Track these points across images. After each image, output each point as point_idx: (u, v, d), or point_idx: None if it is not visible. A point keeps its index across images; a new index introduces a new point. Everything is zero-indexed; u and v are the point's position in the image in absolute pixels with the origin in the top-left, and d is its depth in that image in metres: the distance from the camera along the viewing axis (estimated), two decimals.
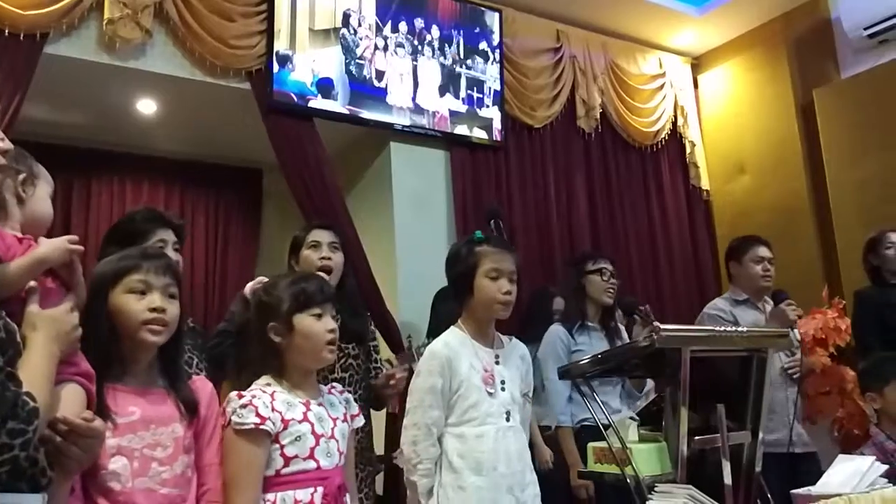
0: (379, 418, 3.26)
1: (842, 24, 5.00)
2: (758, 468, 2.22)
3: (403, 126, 4.38)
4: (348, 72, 4.18)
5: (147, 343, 1.60)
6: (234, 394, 1.72)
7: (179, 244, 2.29)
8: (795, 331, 3.15)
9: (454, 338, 2.16)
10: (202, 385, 1.76)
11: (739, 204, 5.42)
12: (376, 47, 4.30)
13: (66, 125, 4.51)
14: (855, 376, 3.85)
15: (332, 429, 1.77)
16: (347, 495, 1.77)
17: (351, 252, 4.02)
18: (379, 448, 3.26)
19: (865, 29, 4.83)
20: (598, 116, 5.17)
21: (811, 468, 3.16)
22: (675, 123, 5.62)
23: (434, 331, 3.40)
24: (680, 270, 5.34)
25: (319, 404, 1.79)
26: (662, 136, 5.52)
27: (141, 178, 5.08)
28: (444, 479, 2.04)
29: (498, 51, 4.77)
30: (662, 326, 2.07)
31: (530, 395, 2.27)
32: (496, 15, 4.80)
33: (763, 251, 3.44)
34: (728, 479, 2.07)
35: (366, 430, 2.54)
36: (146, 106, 4.38)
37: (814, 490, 1.94)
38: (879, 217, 4.39)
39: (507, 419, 2.10)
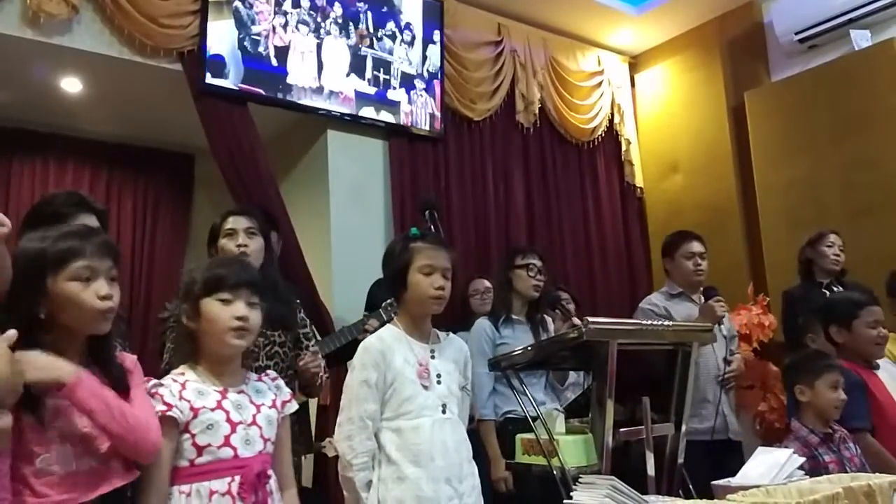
0: (309, 410, 3.22)
1: (774, 28, 5.14)
2: (680, 459, 2.26)
3: (343, 114, 4.30)
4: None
5: (98, 334, 1.56)
6: (144, 379, 1.69)
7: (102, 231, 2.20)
8: (723, 326, 3.24)
9: (388, 333, 2.16)
10: (124, 357, 1.69)
11: (672, 202, 5.53)
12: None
13: None
14: (778, 371, 3.97)
15: (255, 415, 1.74)
16: (272, 482, 1.73)
17: (284, 241, 3.98)
18: None
19: (796, 34, 4.96)
20: (537, 111, 5.21)
21: (735, 457, 3.27)
22: (611, 121, 5.70)
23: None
24: (613, 265, 5.42)
25: (240, 392, 1.76)
26: (599, 133, 5.58)
27: (65, 159, 4.88)
28: (382, 472, 2.02)
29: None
30: (591, 319, 2.09)
31: (469, 388, 2.27)
32: None
33: (695, 246, 3.52)
34: (651, 471, 2.11)
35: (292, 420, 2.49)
36: (71, 84, 4.21)
37: (733, 481, 1.97)
38: (804, 218, 4.54)
39: (444, 411, 2.10)
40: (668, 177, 5.61)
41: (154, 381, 1.69)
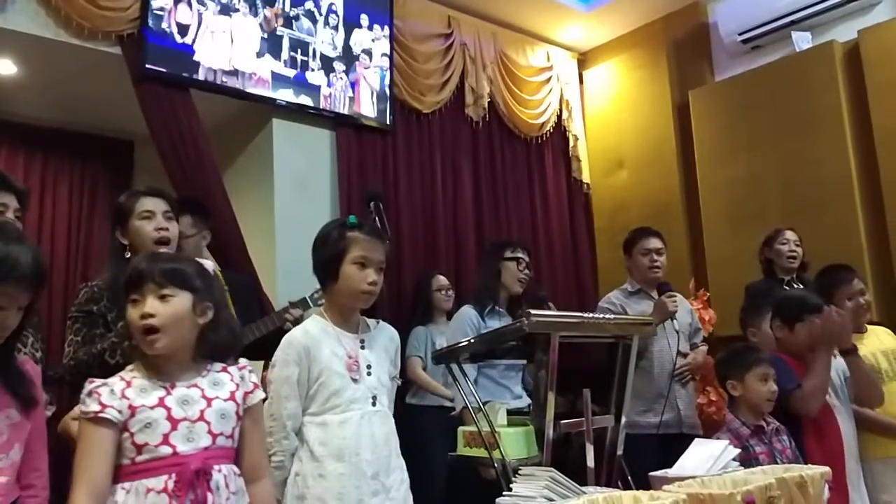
0: None
1: (718, 28, 5.24)
2: (619, 451, 2.28)
3: (289, 102, 4.23)
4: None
5: None
6: (89, 380, 1.64)
7: (21, 212, 2.14)
8: (675, 322, 3.28)
9: (315, 325, 2.10)
10: (33, 368, 1.65)
11: (617, 198, 5.60)
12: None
13: None
14: None
15: (203, 410, 1.67)
16: (224, 477, 1.65)
17: (227, 232, 3.90)
18: None
19: (740, 34, 5.07)
20: (486, 105, 5.20)
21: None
22: (559, 117, 5.74)
23: None
24: (559, 259, 5.47)
25: (191, 386, 1.69)
26: (547, 128, 5.62)
27: None
28: (304, 468, 1.97)
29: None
30: (534, 312, 2.09)
31: (398, 378, 2.24)
32: None
33: (651, 243, 3.56)
34: (591, 462, 2.12)
35: None
36: (5, 66, 4.05)
37: (670, 472, 2.00)
38: (745, 214, 4.64)
39: (374, 404, 2.06)
40: (614, 173, 5.67)
41: (98, 380, 1.63)
